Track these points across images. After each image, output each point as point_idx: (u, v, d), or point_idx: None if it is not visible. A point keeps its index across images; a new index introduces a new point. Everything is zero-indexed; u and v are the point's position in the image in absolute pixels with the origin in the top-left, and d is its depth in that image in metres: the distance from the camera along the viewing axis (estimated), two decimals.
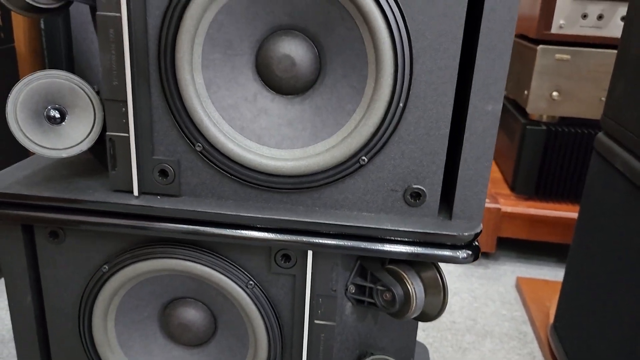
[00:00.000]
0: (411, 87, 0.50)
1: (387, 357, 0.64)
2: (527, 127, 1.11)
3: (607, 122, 0.74)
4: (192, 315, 0.63)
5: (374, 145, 0.51)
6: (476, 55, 0.48)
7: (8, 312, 0.81)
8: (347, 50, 0.50)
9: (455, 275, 1.09)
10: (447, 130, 0.51)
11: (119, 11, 0.49)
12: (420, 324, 0.98)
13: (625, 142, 0.70)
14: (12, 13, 1.04)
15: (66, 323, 0.62)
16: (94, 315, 0.61)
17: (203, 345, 0.64)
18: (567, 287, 0.84)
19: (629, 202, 0.67)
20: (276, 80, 0.52)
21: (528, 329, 0.92)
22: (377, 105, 0.50)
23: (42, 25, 1.11)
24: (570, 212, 1.10)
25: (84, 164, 0.64)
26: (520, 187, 1.13)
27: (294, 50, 0.51)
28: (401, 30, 0.48)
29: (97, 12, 0.49)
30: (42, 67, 1.10)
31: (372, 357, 0.64)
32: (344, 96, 0.52)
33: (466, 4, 0.47)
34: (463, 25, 0.48)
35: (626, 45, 0.72)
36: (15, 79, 1.02)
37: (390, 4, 0.47)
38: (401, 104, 0.50)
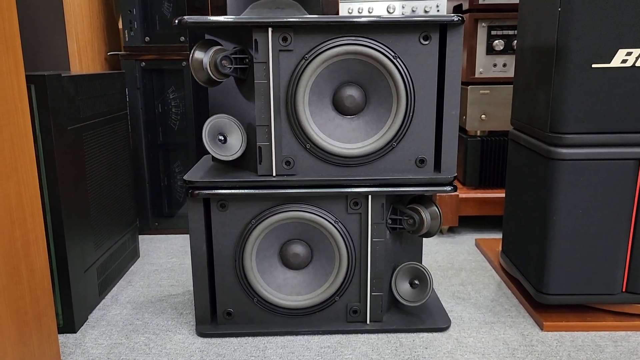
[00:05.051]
0: (415, 107, 1.00)
1: (417, 264, 1.10)
2: (468, 139, 1.64)
3: (513, 121, 1.27)
4: (298, 249, 1.07)
5: (399, 137, 1.00)
6: (444, 88, 0.99)
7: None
8: (381, 91, 1.00)
9: (435, 243, 1.57)
10: (434, 127, 1.01)
11: (268, 79, 0.97)
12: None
13: (522, 129, 1.22)
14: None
15: (226, 261, 1.05)
16: (245, 252, 1.04)
17: (305, 268, 1.08)
18: (506, 224, 1.33)
19: (528, 160, 1.19)
20: (344, 109, 1.01)
21: (487, 265, 1.41)
22: (398, 117, 0.99)
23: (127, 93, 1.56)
24: (503, 194, 1.62)
25: (229, 166, 1.09)
26: (469, 180, 1.65)
27: (353, 93, 1.00)
28: (408, 81, 0.98)
29: (256, 81, 0.97)
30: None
31: (406, 264, 1.10)
32: (381, 114, 1.01)
33: (437, 67, 0.99)
34: (437, 77, 0.99)
35: (517, 73, 1.26)
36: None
37: (402, 69, 0.97)
38: (410, 115, 1.00)
